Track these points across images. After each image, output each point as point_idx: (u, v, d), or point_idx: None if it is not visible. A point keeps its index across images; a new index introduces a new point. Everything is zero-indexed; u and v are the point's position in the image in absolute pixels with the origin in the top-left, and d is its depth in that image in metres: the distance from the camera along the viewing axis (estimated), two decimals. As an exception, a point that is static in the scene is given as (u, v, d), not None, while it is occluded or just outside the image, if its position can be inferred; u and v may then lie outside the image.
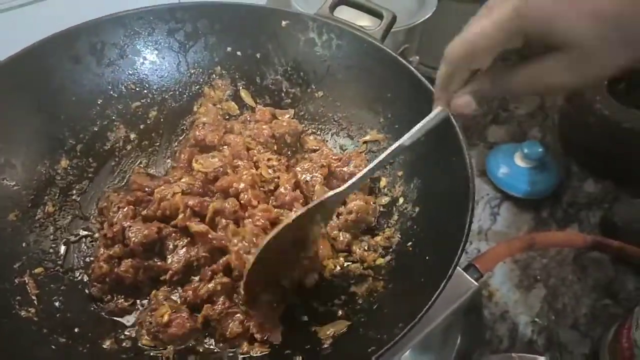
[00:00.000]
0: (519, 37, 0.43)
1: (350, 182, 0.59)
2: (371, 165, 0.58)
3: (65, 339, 0.60)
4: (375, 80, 0.77)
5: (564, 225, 0.95)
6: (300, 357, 0.57)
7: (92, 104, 0.79)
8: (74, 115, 0.77)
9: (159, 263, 0.65)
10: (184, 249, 0.65)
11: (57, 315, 0.63)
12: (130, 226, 0.65)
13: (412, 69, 0.72)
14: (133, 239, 0.64)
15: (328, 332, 0.60)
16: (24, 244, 0.68)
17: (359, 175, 0.59)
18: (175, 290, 0.65)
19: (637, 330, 0.67)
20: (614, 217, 0.90)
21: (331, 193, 0.59)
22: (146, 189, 0.73)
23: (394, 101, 0.76)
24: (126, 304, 0.65)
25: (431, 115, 0.54)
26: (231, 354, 0.61)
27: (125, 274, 0.64)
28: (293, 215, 0.58)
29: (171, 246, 0.66)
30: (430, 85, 0.70)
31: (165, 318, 0.60)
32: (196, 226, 0.64)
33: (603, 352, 0.75)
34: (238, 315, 0.61)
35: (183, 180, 0.70)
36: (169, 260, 0.65)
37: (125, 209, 0.68)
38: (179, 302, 0.64)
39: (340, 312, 0.63)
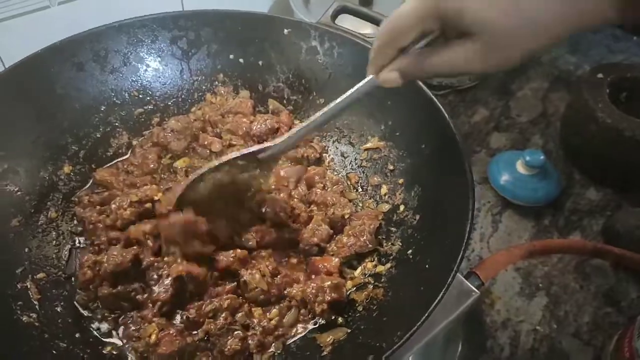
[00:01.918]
0: (434, 21, 0.47)
1: (282, 138, 0.62)
2: (308, 122, 0.60)
3: (66, 345, 0.60)
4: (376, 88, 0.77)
5: (566, 233, 0.95)
6: (300, 364, 0.57)
7: (95, 110, 0.80)
8: (77, 122, 0.78)
9: (139, 297, 0.64)
10: (170, 279, 0.62)
11: (59, 320, 0.63)
12: (117, 239, 0.65)
13: (413, 76, 0.72)
14: (105, 265, 0.63)
15: (328, 340, 0.59)
16: (26, 250, 0.68)
17: (292, 132, 0.61)
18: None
19: (639, 339, 0.67)
20: (616, 224, 0.90)
21: (260, 147, 0.62)
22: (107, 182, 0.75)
23: (394, 109, 0.76)
24: (112, 316, 0.64)
25: (362, 81, 0.56)
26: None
27: (105, 299, 0.63)
28: (215, 162, 0.62)
29: (155, 276, 0.64)
30: (430, 92, 0.70)
31: (153, 337, 0.59)
32: (176, 269, 0.62)
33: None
34: (238, 332, 0.60)
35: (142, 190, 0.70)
36: (156, 291, 0.63)
37: (101, 223, 0.68)
38: (179, 320, 0.63)
39: (339, 320, 0.63)
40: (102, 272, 0.63)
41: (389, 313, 0.59)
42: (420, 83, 0.72)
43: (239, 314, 0.62)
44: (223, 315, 0.61)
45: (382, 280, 0.66)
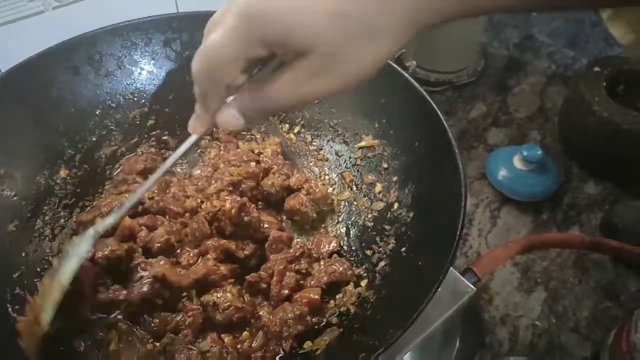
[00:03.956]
0: (258, 47, 0.38)
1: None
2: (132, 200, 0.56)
3: (64, 349, 0.60)
4: (370, 87, 0.77)
5: (565, 228, 0.94)
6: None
7: (90, 114, 0.80)
8: (73, 126, 0.78)
9: (119, 293, 0.63)
10: (149, 284, 0.62)
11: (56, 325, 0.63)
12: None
13: (406, 75, 0.72)
14: (99, 253, 0.63)
15: (322, 342, 0.59)
16: (23, 254, 0.68)
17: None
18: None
19: (637, 333, 0.67)
20: (614, 218, 0.90)
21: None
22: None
23: (388, 107, 0.76)
24: None
25: (187, 142, 0.47)
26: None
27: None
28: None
29: (137, 276, 0.63)
30: (423, 89, 0.70)
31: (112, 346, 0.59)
32: (155, 270, 0.62)
33: (604, 355, 0.75)
34: (193, 351, 0.59)
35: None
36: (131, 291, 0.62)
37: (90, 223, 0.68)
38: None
39: (333, 319, 0.63)
40: (97, 257, 0.63)
41: (382, 311, 0.59)
42: (413, 80, 0.72)
43: (203, 342, 0.60)
44: (185, 332, 0.60)
45: (376, 279, 0.66)
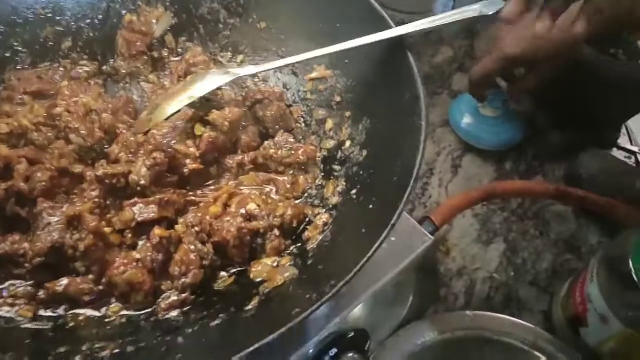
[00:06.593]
0: None
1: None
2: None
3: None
4: (323, 9, 0.68)
5: (528, 178, 0.90)
6: (220, 320, 0.49)
7: (-10, 31, 0.68)
8: (-31, 44, 0.66)
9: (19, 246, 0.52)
10: (59, 228, 0.52)
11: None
12: None
13: (364, -5, 0.63)
14: None
15: (278, 278, 0.52)
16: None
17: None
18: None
19: (592, 283, 0.63)
20: (579, 168, 0.85)
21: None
22: None
23: (344, 33, 0.66)
24: None
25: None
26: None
27: None
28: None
29: (43, 224, 0.52)
30: (383, 11, 0.61)
31: None
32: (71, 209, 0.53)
33: (556, 306, 0.71)
34: None
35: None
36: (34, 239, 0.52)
37: None
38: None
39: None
40: None
41: (325, 260, 0.51)
42: (372, 1, 0.63)
43: None
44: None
45: (320, 225, 0.57)
